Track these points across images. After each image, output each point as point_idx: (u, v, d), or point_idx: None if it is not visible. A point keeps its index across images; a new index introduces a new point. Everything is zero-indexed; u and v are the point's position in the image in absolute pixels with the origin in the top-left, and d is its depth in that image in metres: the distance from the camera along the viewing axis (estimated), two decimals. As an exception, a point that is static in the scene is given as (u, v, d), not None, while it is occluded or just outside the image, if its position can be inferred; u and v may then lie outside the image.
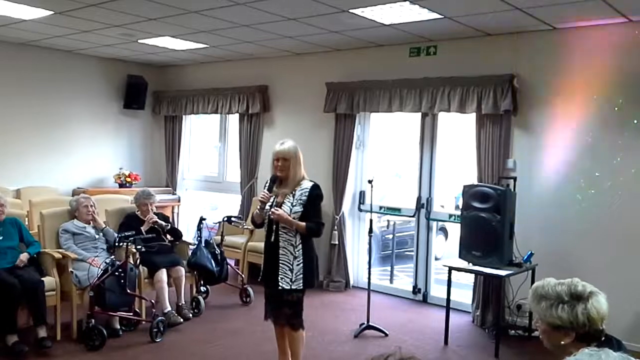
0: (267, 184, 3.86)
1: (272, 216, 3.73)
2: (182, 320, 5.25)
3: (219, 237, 6.30)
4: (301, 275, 3.76)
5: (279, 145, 3.82)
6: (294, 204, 3.76)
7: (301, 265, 3.76)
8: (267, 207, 3.81)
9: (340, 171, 6.72)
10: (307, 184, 3.81)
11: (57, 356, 4.44)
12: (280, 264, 3.76)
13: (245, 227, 6.63)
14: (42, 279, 4.68)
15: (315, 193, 3.80)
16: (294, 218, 3.73)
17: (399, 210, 6.65)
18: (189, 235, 7.33)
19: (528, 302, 2.15)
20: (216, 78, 8.05)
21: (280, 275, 3.75)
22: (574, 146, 5.25)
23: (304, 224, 3.74)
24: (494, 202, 4.96)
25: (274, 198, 3.83)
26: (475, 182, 5.52)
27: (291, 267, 3.75)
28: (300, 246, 3.78)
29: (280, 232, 3.77)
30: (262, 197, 3.83)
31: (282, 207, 3.75)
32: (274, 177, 3.81)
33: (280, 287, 3.74)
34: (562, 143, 5.31)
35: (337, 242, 6.73)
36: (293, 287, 3.74)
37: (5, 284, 4.43)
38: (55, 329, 4.73)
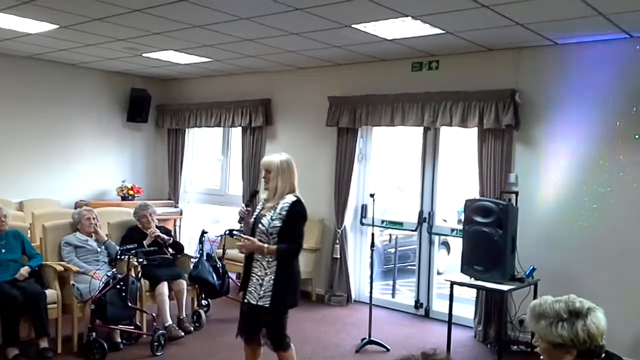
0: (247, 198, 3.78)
1: (240, 251, 3.66)
2: (183, 333, 5.24)
3: (221, 251, 6.29)
4: (270, 293, 3.50)
5: (265, 157, 3.80)
6: (274, 218, 3.55)
7: (272, 282, 3.51)
8: (251, 221, 3.72)
9: (342, 185, 6.72)
10: (289, 199, 3.57)
11: (57, 369, 4.45)
12: (251, 277, 3.59)
13: (247, 240, 6.60)
14: (44, 291, 4.69)
15: (294, 209, 3.54)
16: (271, 233, 3.54)
17: (401, 224, 6.65)
18: (190, 248, 7.34)
19: (527, 321, 2.15)
20: (219, 91, 8.09)
21: (249, 289, 3.57)
22: (576, 161, 5.25)
23: (275, 247, 3.52)
24: (496, 217, 4.96)
25: (259, 211, 3.70)
26: (477, 197, 5.52)
27: (261, 281, 3.54)
28: (275, 262, 3.54)
29: None
30: (239, 212, 3.79)
31: (261, 220, 3.61)
32: (254, 190, 3.81)
33: (246, 301, 3.58)
34: (564, 158, 5.31)
35: (339, 256, 6.71)
36: (259, 303, 3.51)
37: (7, 297, 4.44)
38: (57, 342, 4.73)
